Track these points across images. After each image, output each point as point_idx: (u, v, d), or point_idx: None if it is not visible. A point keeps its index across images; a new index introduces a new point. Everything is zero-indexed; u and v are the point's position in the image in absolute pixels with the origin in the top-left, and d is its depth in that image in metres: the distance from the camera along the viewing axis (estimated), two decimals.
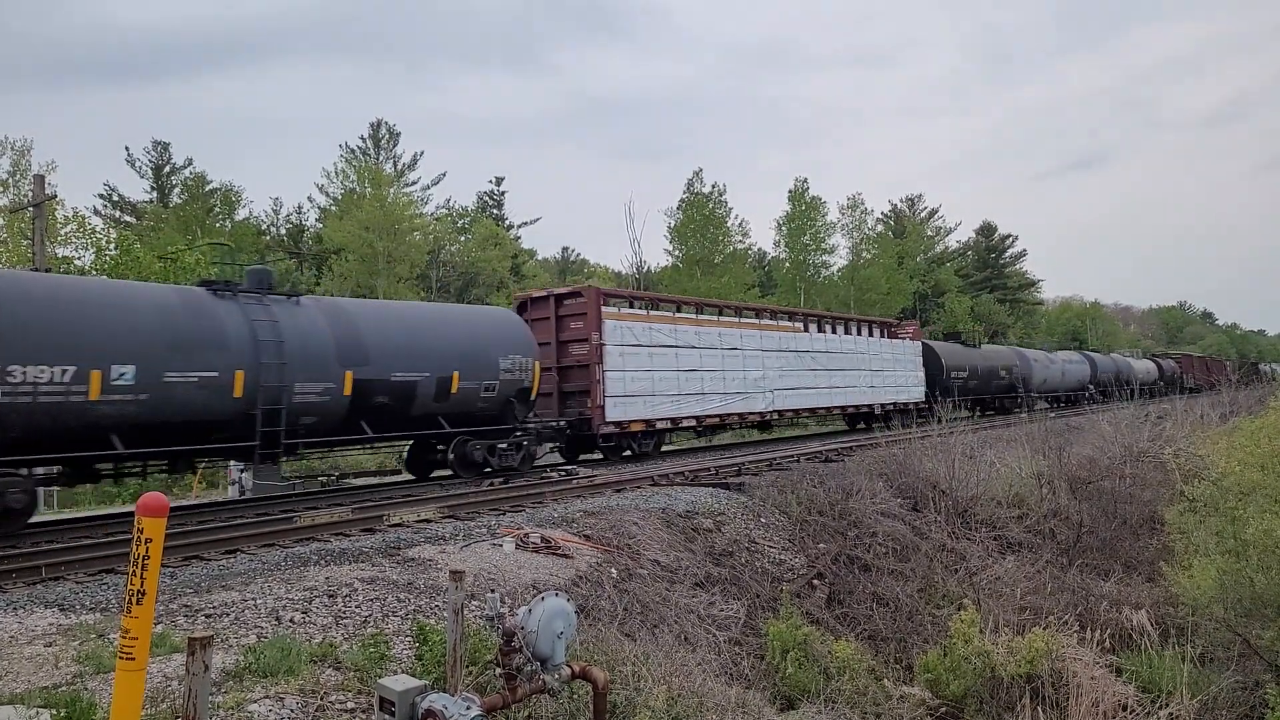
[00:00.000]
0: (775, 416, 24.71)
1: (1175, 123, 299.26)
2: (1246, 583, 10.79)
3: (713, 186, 51.18)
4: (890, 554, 13.36)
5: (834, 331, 28.40)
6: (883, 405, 30.00)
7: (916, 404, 31.72)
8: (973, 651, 9.85)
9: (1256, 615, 10.94)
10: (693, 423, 21.49)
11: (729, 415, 22.74)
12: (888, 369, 30.59)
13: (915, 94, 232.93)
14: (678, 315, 21.64)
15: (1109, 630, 11.35)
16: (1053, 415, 32.68)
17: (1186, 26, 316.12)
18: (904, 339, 33.02)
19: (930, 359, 33.90)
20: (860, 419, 31.37)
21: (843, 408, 28.69)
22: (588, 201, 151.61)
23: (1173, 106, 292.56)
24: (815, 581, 12.15)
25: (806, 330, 26.80)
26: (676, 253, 51.54)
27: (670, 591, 9.98)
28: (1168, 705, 9.65)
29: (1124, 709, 9.60)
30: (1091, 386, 49.20)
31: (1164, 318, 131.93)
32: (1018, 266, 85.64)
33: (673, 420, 20.71)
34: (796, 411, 25.84)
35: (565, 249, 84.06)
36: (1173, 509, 14.22)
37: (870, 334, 31.02)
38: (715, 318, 23.08)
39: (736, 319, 23.87)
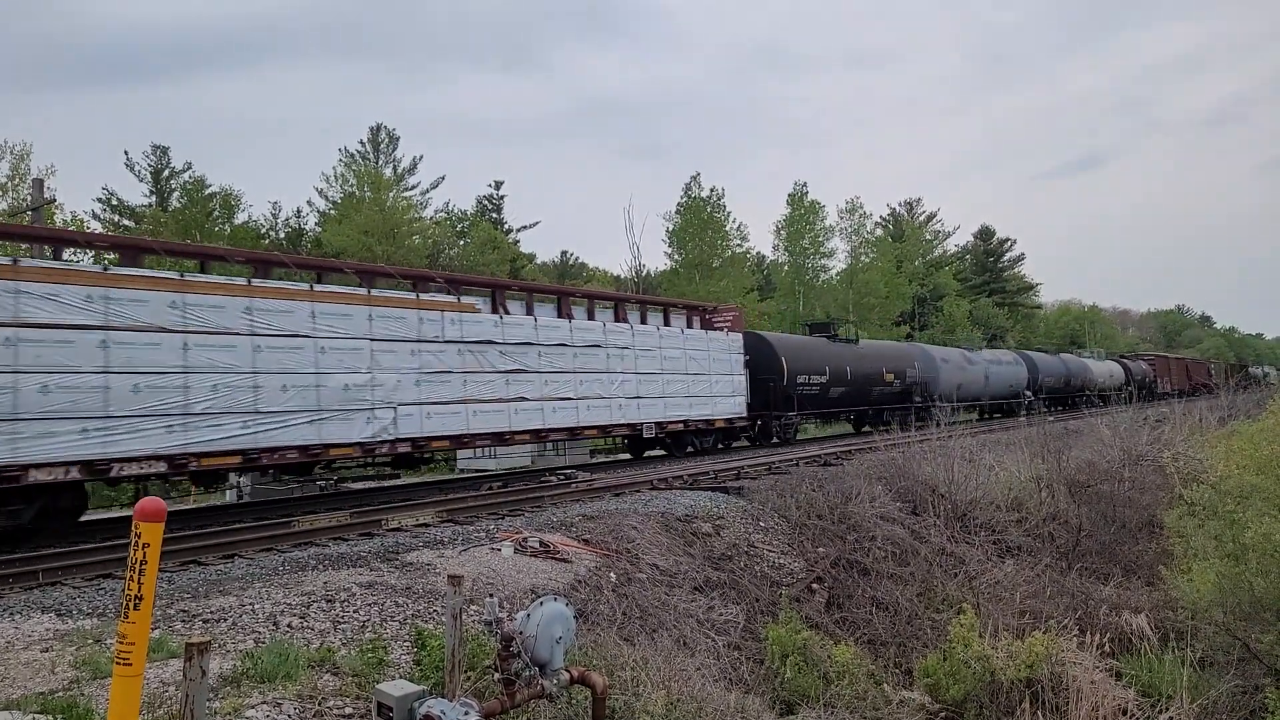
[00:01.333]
0: (405, 448, 14.88)
1: (1175, 124, 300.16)
2: (1246, 586, 10.79)
3: (710, 190, 51.28)
4: (889, 558, 13.34)
5: (560, 314, 18.68)
6: (661, 425, 20.51)
7: (731, 420, 22.91)
8: (972, 656, 9.83)
9: (1256, 619, 10.93)
10: (161, 466, 12.02)
11: (266, 450, 13.14)
12: (674, 372, 20.85)
13: (914, 95, 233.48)
14: (113, 273, 12.05)
15: (1108, 634, 11.34)
16: (962, 430, 23.66)
17: (1185, 27, 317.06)
18: (722, 329, 23.32)
19: (763, 358, 24.59)
20: (648, 443, 22.23)
21: (572, 430, 18.32)
22: (587, 204, 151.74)
23: (1172, 108, 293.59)
24: (814, 585, 12.13)
25: (495, 311, 17.19)
26: (676, 256, 51.62)
27: (669, 596, 9.96)
28: (1168, 709, 9.64)
29: (1124, 713, 9.58)
30: (1029, 393, 40.70)
31: (1162, 321, 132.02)
32: (1016, 270, 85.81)
33: (88, 465, 11.36)
34: (459, 439, 15.90)
35: (564, 252, 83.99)
36: (1172, 512, 14.22)
37: (665, 322, 21.62)
38: (240, 283, 13.43)
39: (306, 288, 14.10)
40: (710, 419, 22.40)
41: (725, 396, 22.89)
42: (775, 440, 25.30)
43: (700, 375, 22.06)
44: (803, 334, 32.37)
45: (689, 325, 22.69)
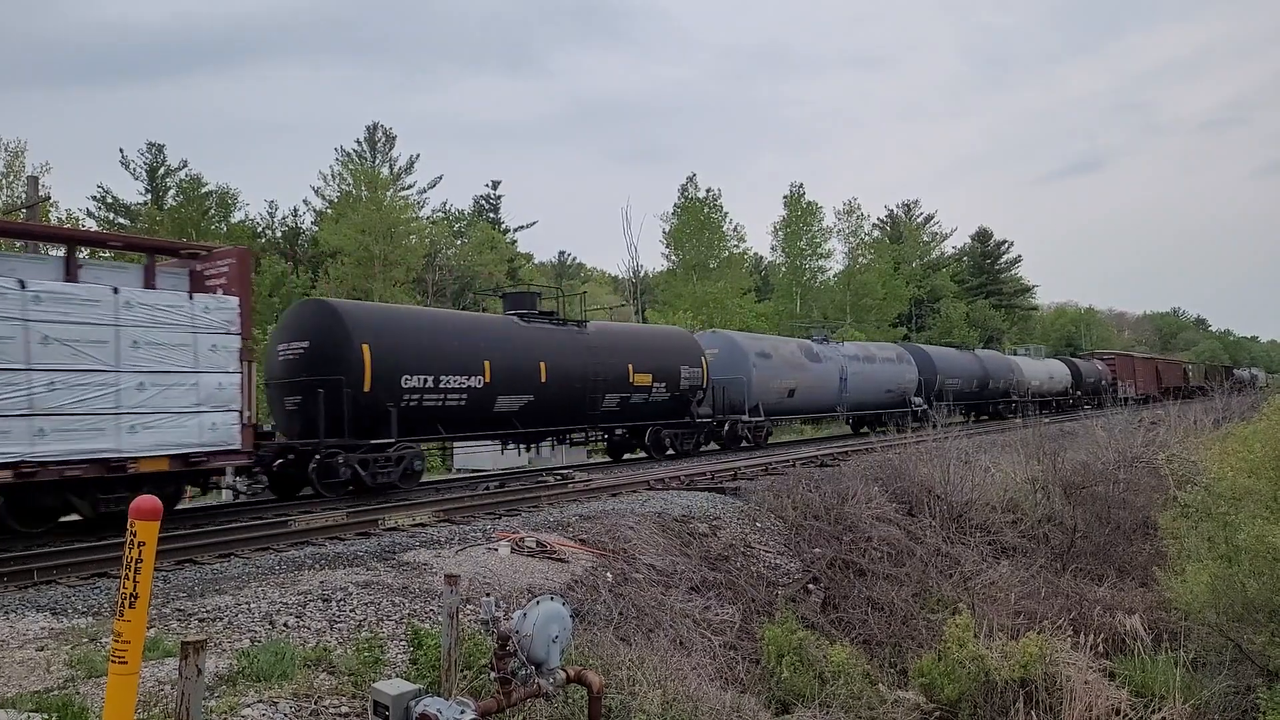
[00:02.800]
0: None
1: (1173, 127, 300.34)
2: (1239, 588, 10.84)
3: (707, 191, 51.40)
4: (885, 558, 13.38)
5: None
6: None
7: (195, 459, 11.69)
8: (967, 656, 9.87)
9: (1249, 620, 10.99)
10: None
11: None
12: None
13: (913, 98, 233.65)
14: None
15: (1102, 635, 11.39)
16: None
17: (1184, 30, 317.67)
18: (215, 288, 12.52)
19: (323, 343, 14.19)
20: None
21: None
22: (585, 205, 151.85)
23: (1171, 111, 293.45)
24: (810, 586, 12.17)
25: None
26: (674, 257, 51.70)
27: (666, 596, 9.98)
28: (1161, 710, 9.70)
29: (1117, 713, 9.63)
30: (918, 400, 31.22)
31: (1158, 323, 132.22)
32: (1013, 272, 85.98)
33: None
34: None
35: (562, 253, 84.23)
36: (1166, 514, 14.28)
37: (66, 271, 11.60)
38: None
39: None
40: (123, 457, 11.03)
41: (179, 414, 11.62)
42: (349, 487, 14.28)
43: (89, 372, 10.86)
44: (497, 310, 20.02)
45: (150, 282, 12.14)
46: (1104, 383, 47.54)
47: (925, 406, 30.51)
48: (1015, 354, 45.60)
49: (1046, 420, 30.26)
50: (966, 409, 36.31)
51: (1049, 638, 10.30)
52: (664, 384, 20.64)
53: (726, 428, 23.26)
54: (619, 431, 21.08)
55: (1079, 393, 44.38)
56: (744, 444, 24.01)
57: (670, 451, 21.14)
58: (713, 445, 23.82)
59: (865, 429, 31.24)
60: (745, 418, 23.41)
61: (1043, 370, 42.79)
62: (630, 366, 19.78)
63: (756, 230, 66.63)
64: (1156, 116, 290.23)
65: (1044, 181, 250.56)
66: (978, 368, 36.71)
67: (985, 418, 36.77)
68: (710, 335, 25.52)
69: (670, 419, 21.15)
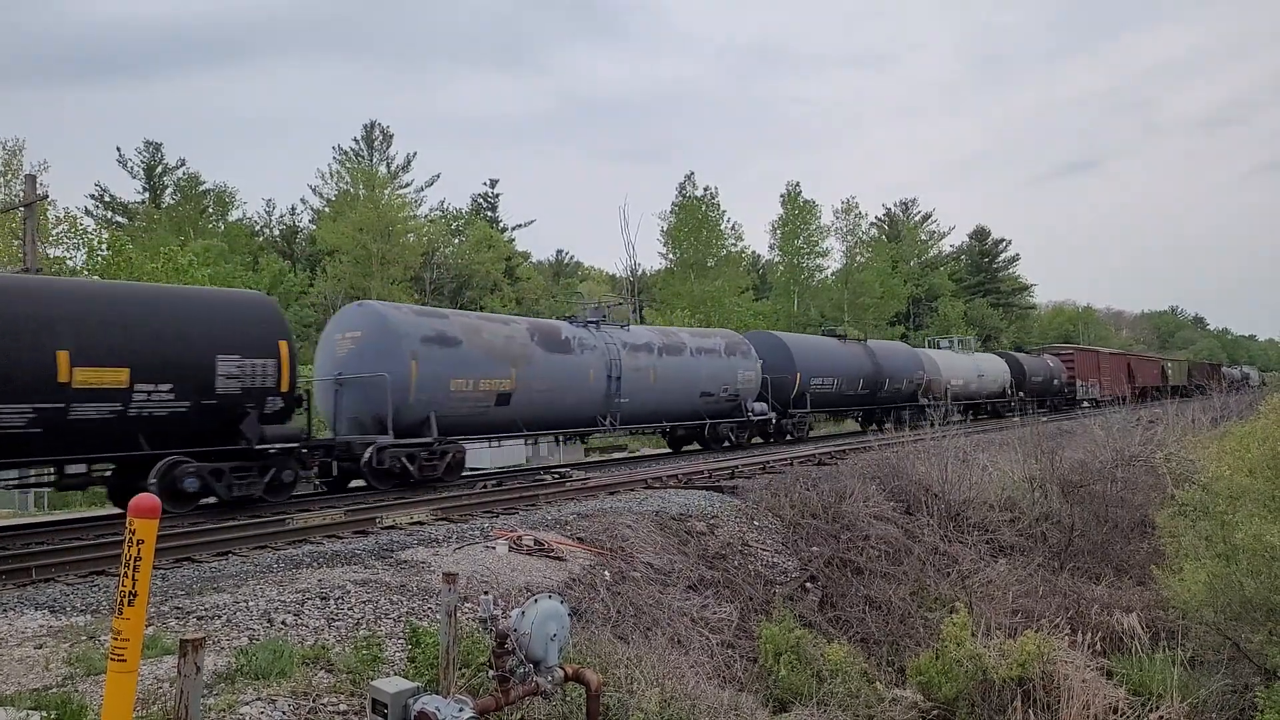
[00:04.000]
0: None
1: (1171, 127, 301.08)
2: (1236, 587, 10.85)
3: (705, 190, 51.40)
4: (883, 557, 13.39)
5: None
6: None
7: None
8: (964, 654, 9.88)
9: (1246, 619, 11.00)
10: None
11: None
12: None
13: (912, 97, 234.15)
14: None
15: (1100, 633, 11.41)
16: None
17: (1182, 30, 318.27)
18: None
19: None
20: None
21: None
22: (583, 204, 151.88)
23: (1169, 111, 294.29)
24: (808, 584, 12.17)
25: None
26: (671, 256, 51.70)
27: (663, 594, 9.98)
28: (1158, 708, 9.72)
29: (1115, 712, 9.64)
30: (761, 406, 23.22)
31: (1156, 322, 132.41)
32: (1011, 271, 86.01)
33: None
34: None
35: (560, 251, 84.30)
36: (1163, 513, 14.30)
37: None
38: None
39: None
40: None
41: None
42: None
43: None
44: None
45: None
46: (1058, 383, 41.65)
47: (772, 415, 23.49)
48: (938, 346, 37.50)
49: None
50: (857, 416, 28.36)
51: (1046, 636, 10.31)
52: (170, 386, 11.80)
53: (368, 456, 14.29)
54: (71, 470, 12.16)
55: (1021, 394, 37.36)
56: (409, 479, 15.08)
57: (214, 500, 12.36)
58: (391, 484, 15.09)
59: (695, 444, 23.06)
60: (388, 439, 14.60)
61: (969, 367, 34.51)
62: (65, 355, 10.90)
63: (755, 229, 66.71)
64: (1155, 115, 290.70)
65: (1042, 180, 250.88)
66: (866, 363, 27.87)
67: (886, 426, 27.02)
68: (354, 310, 16.46)
69: (203, 445, 12.20)
